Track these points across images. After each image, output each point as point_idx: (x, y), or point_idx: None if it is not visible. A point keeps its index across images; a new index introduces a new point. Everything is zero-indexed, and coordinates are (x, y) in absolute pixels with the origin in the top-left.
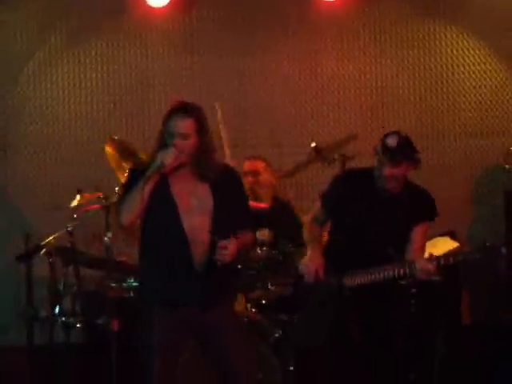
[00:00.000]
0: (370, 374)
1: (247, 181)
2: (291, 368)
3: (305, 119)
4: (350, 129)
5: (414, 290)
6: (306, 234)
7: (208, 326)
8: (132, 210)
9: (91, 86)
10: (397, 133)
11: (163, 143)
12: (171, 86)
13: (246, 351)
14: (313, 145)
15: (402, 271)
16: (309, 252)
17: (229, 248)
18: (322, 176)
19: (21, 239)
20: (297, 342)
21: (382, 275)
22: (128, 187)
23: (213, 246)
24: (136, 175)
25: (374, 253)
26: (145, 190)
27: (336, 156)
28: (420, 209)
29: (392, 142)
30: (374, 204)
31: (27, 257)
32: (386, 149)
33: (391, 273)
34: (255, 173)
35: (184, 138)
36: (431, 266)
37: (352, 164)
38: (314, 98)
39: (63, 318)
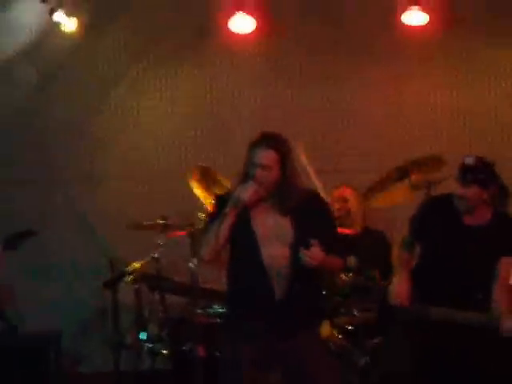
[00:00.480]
0: None
1: (335, 208)
2: None
3: (391, 144)
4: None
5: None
6: (394, 259)
7: (291, 354)
8: (212, 247)
9: (176, 113)
10: (480, 156)
11: (246, 174)
12: (257, 114)
13: (331, 378)
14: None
15: (486, 324)
16: (396, 276)
17: (316, 252)
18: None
19: (106, 266)
20: (382, 367)
21: (466, 321)
22: (214, 216)
23: (294, 279)
24: (222, 202)
25: (458, 282)
26: (224, 225)
27: (423, 182)
28: (508, 242)
29: (469, 160)
30: (458, 233)
31: (113, 283)
32: (461, 166)
33: (475, 322)
34: (343, 199)
35: (265, 169)
36: None
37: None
38: (399, 123)
39: (149, 345)
